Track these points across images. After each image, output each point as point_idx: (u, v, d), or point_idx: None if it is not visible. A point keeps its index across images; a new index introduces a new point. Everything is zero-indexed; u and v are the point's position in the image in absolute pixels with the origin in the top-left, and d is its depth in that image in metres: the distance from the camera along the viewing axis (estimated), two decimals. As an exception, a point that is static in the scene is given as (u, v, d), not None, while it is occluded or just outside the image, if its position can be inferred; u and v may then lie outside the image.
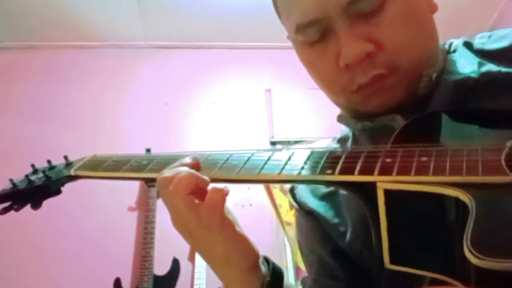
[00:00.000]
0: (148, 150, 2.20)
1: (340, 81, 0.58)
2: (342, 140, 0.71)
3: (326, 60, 0.58)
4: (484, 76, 0.56)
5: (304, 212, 0.70)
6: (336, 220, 0.63)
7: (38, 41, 2.65)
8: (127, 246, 2.28)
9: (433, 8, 0.61)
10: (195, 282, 2.18)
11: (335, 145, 0.71)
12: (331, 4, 0.54)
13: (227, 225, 0.49)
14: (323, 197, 0.67)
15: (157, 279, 2.13)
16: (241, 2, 2.46)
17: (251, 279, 0.53)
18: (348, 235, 0.61)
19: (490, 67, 0.57)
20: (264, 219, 2.33)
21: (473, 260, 0.31)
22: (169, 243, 2.02)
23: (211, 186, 0.49)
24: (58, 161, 0.70)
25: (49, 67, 2.64)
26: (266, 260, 0.56)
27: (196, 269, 2.18)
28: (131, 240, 2.30)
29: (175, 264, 2.20)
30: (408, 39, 0.56)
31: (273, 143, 2.62)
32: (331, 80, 0.60)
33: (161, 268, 2.17)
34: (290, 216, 2.28)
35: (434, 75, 0.58)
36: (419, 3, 0.58)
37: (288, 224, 2.30)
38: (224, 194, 0.47)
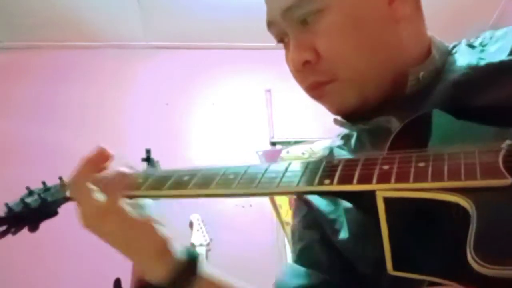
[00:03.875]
0: (148, 151, 2.20)
1: (299, 82, 0.63)
2: (346, 137, 0.71)
3: (287, 61, 0.63)
4: (472, 70, 0.56)
5: (302, 201, 0.69)
6: (332, 217, 0.63)
7: (38, 41, 2.65)
8: (127, 246, 2.27)
9: (398, 15, 0.59)
10: (195, 282, 2.18)
11: (339, 142, 0.71)
12: (274, 9, 0.59)
13: (122, 211, 0.51)
14: None
15: (157, 279, 2.13)
16: (241, 2, 2.46)
17: (160, 263, 0.53)
18: (342, 234, 0.60)
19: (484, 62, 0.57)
20: (264, 219, 2.32)
21: (477, 267, 0.31)
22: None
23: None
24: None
25: (49, 67, 2.64)
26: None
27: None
28: (131, 240, 2.29)
29: (175, 264, 2.20)
30: (346, 50, 0.57)
31: (273, 144, 2.61)
32: (297, 79, 0.64)
33: (161, 268, 2.17)
34: (290, 216, 2.28)
35: (421, 75, 0.59)
36: (365, 13, 0.58)
37: (288, 224, 2.29)
38: (122, 177, 0.52)
